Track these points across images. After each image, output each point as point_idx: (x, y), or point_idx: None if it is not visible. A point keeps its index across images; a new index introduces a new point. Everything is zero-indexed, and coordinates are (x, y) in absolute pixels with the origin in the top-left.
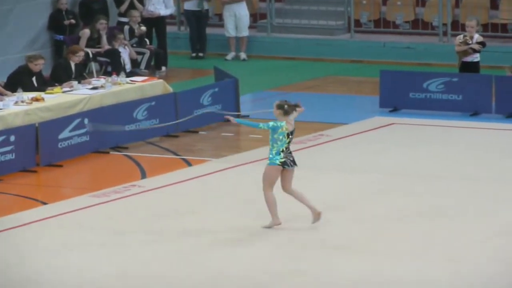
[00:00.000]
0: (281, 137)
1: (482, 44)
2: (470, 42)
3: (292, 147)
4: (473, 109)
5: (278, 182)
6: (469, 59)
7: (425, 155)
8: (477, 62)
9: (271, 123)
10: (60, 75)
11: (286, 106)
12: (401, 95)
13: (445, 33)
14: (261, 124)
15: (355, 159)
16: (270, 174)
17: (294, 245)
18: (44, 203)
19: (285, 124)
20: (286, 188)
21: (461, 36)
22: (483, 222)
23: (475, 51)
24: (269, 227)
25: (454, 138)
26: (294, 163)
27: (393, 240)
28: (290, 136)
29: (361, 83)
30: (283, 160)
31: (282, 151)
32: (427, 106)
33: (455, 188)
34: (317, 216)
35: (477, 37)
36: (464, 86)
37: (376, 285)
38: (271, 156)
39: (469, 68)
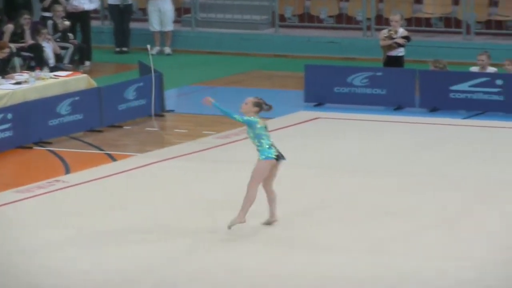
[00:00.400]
0: (262, 132)
1: (406, 38)
2: (395, 37)
3: (217, 142)
4: (397, 103)
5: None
6: (393, 53)
7: (349, 149)
8: (402, 56)
9: (245, 117)
10: None
11: (264, 105)
12: (325, 89)
13: (369, 28)
14: (236, 115)
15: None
16: (265, 169)
17: (217, 236)
18: None
19: (258, 118)
20: (268, 184)
21: (386, 30)
22: (407, 215)
23: (399, 45)
24: (232, 225)
25: (378, 132)
26: (283, 157)
27: (314, 232)
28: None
29: (285, 78)
30: (277, 153)
31: (272, 144)
32: (352, 101)
33: (378, 182)
34: (272, 222)
35: (401, 31)
36: (388, 80)
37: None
38: (263, 150)
39: (394, 62)
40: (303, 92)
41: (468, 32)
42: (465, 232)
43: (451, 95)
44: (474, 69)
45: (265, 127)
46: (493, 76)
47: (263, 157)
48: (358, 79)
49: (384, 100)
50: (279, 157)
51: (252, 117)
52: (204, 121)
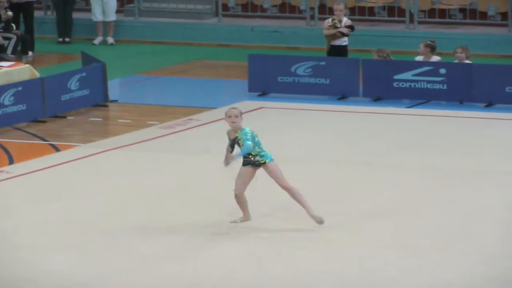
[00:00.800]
0: (256, 138)
1: (350, 27)
2: (339, 26)
3: (161, 132)
4: (340, 92)
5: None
6: (337, 42)
7: (293, 138)
8: (345, 46)
9: (249, 140)
10: None
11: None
12: (269, 79)
13: (312, 17)
14: (251, 145)
15: (224, 144)
16: (277, 169)
17: (161, 225)
18: None
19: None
20: (240, 189)
21: (330, 19)
22: (352, 205)
23: (343, 34)
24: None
25: (322, 121)
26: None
27: (258, 222)
28: None
29: (229, 67)
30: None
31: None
32: (296, 90)
33: (322, 171)
34: (244, 219)
35: (345, 20)
36: (331, 70)
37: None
38: (267, 154)
39: (338, 51)
40: (247, 82)
41: (411, 21)
42: (408, 221)
43: (395, 84)
44: (418, 58)
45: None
46: (437, 65)
47: (269, 159)
48: (301, 69)
49: (328, 89)
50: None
51: (246, 131)
52: (148, 111)
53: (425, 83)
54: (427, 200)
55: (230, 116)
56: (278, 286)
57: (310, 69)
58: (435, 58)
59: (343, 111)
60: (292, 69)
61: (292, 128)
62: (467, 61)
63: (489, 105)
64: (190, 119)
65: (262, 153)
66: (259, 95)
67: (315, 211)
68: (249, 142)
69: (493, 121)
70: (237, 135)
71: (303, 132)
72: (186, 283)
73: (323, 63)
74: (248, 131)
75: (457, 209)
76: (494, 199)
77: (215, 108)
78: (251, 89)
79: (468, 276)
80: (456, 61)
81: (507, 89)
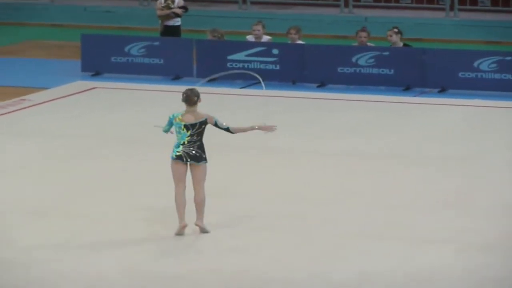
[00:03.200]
0: (177, 128)
1: (184, 8)
2: (172, 7)
3: None
4: (174, 73)
5: None
6: (170, 23)
7: (126, 118)
8: (178, 26)
9: (169, 116)
10: None
11: (184, 93)
12: (102, 59)
13: None
14: (163, 129)
15: (57, 124)
16: (171, 169)
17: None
18: None
19: (180, 115)
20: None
21: (162, 0)
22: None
23: (177, 15)
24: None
25: (155, 102)
26: (194, 159)
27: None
28: (193, 129)
29: (62, 48)
30: (179, 153)
31: (183, 144)
32: (129, 70)
33: (155, 154)
34: (182, 229)
35: (178, 1)
36: (165, 50)
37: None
38: (172, 148)
39: (171, 32)
40: (80, 62)
41: (244, 2)
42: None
43: (228, 64)
44: (250, 38)
45: (187, 125)
46: (269, 45)
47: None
48: (135, 49)
49: (162, 70)
50: (180, 158)
51: (175, 113)
52: None
53: (258, 63)
54: (256, 177)
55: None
56: None
57: (143, 49)
58: (266, 38)
59: (176, 91)
60: (126, 49)
61: (124, 109)
62: (300, 42)
63: (321, 85)
64: (23, 99)
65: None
66: (92, 75)
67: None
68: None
69: (325, 101)
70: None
71: (136, 113)
72: None
73: (156, 43)
74: (172, 115)
75: (285, 188)
76: (323, 177)
77: (47, 88)
78: (84, 69)
79: (402, 262)
80: (289, 42)
81: (339, 69)
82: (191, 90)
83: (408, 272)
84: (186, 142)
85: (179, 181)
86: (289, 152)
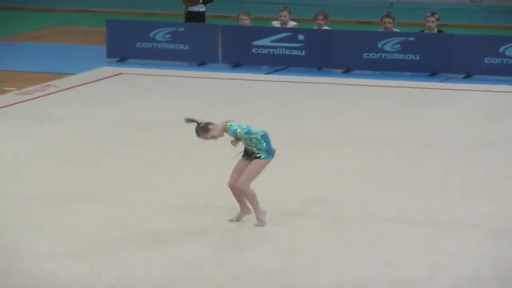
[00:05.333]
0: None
1: None
2: None
3: (18, 98)
4: (200, 58)
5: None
6: (195, 9)
7: (152, 104)
8: (203, 12)
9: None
10: None
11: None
12: (128, 45)
13: None
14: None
15: (83, 110)
16: (263, 168)
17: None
18: None
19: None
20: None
21: None
22: (209, 172)
23: (205, 1)
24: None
25: (182, 88)
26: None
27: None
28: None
29: (87, 33)
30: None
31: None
32: (155, 56)
33: (182, 137)
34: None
35: None
36: (190, 36)
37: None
38: (265, 149)
39: (195, 17)
40: (105, 48)
41: None
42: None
43: (254, 50)
44: (276, 23)
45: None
46: (295, 31)
47: (264, 156)
48: (160, 34)
49: (187, 55)
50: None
51: (232, 127)
52: (4, 77)
53: (283, 49)
54: (296, 166)
55: (208, 140)
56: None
57: (168, 35)
58: (292, 24)
59: (202, 77)
60: (151, 34)
61: (151, 94)
62: (326, 28)
63: (347, 71)
64: (48, 85)
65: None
66: (118, 61)
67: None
68: (238, 128)
69: (350, 87)
70: (232, 134)
71: (162, 98)
72: None
73: (181, 29)
74: (234, 126)
75: (315, 174)
76: (352, 163)
77: (73, 74)
78: (110, 55)
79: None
80: (315, 28)
81: (364, 55)
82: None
83: (433, 257)
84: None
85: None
86: (315, 138)
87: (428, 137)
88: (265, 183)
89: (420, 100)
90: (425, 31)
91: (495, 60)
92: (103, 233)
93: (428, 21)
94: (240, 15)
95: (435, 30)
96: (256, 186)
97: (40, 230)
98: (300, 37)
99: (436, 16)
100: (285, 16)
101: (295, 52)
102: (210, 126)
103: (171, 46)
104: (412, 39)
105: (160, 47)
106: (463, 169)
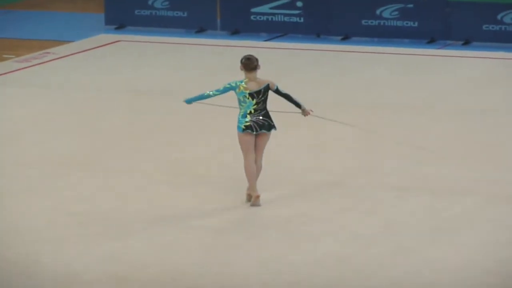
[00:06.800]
0: (241, 97)
1: None
2: None
3: (17, 65)
4: (198, 25)
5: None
6: None
7: (151, 72)
8: None
9: (226, 84)
10: None
11: (243, 59)
12: (126, 12)
13: None
14: (210, 92)
15: (82, 77)
16: (240, 141)
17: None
18: None
19: (244, 82)
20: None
21: None
22: (212, 139)
23: None
24: (251, 201)
25: (180, 55)
26: (264, 127)
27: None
28: (258, 97)
29: (86, 1)
30: (248, 123)
31: (250, 113)
32: (153, 23)
33: (181, 105)
34: (256, 199)
35: None
36: (188, 3)
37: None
38: (238, 119)
39: None
40: (104, 15)
41: None
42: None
43: (252, 17)
44: None
45: (252, 93)
46: None
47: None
48: (159, 2)
49: (186, 22)
50: (248, 128)
51: (234, 81)
52: (3, 44)
53: (282, 16)
54: (294, 134)
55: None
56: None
57: (167, 2)
58: None
59: (200, 44)
60: (149, 2)
61: (149, 62)
62: None
63: (346, 38)
64: (47, 53)
65: (239, 114)
66: (116, 28)
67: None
68: (216, 91)
69: (349, 54)
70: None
71: (161, 66)
72: None
73: None
74: (232, 84)
75: (313, 141)
76: (351, 131)
77: (72, 41)
78: (108, 22)
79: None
80: None
81: (363, 22)
82: (249, 55)
83: (434, 223)
84: (253, 111)
85: (248, 151)
86: (315, 105)
87: (427, 104)
88: (265, 152)
89: (419, 67)
90: None
91: (493, 27)
92: (102, 201)
93: None
94: None
95: None
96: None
97: (40, 197)
98: (299, 4)
99: None
100: None
101: (294, 19)
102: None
103: (170, 13)
104: (410, 5)
105: (159, 14)
106: (462, 135)
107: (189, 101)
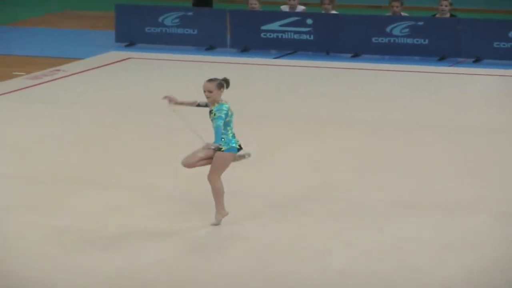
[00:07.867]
0: (230, 118)
1: None
2: None
3: (27, 82)
4: (208, 43)
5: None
6: None
7: (161, 89)
8: None
9: (222, 114)
10: None
11: (225, 81)
12: (137, 29)
13: None
14: (221, 125)
15: (92, 94)
16: (227, 161)
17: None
18: None
19: (226, 103)
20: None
21: None
22: None
23: None
24: (217, 223)
25: (191, 72)
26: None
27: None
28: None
29: (96, 18)
30: (239, 143)
31: (233, 134)
32: (163, 41)
33: (193, 120)
34: (220, 217)
35: None
36: (199, 20)
37: None
38: (226, 140)
39: (203, 2)
40: (114, 33)
41: None
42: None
43: (262, 34)
44: (284, 8)
45: (232, 114)
46: (303, 15)
47: (225, 147)
48: (169, 19)
49: (196, 40)
50: (240, 148)
51: (223, 105)
52: (14, 61)
53: (292, 33)
54: (290, 146)
55: (204, 91)
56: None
57: (177, 20)
58: (300, 8)
59: (211, 62)
60: (160, 19)
61: (159, 79)
62: (334, 12)
63: (355, 55)
64: (57, 70)
65: (223, 137)
66: (126, 46)
67: (223, 213)
68: (220, 122)
69: (358, 72)
70: (213, 107)
71: (170, 83)
72: None
73: (190, 13)
74: (225, 108)
75: (322, 157)
76: (359, 147)
77: (82, 59)
78: (118, 39)
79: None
80: (323, 12)
81: (373, 40)
82: (217, 78)
83: (441, 240)
84: (234, 132)
85: (224, 170)
86: (323, 122)
87: (436, 121)
88: (269, 166)
89: (429, 84)
90: (437, 16)
91: (504, 45)
92: (108, 218)
93: (442, 5)
94: None
95: (448, 15)
96: (262, 170)
97: (47, 213)
98: (309, 21)
99: (450, 0)
100: (294, 0)
101: (304, 37)
102: (219, 89)
103: (180, 30)
104: (421, 23)
105: (169, 31)
106: (471, 153)
107: (217, 142)
